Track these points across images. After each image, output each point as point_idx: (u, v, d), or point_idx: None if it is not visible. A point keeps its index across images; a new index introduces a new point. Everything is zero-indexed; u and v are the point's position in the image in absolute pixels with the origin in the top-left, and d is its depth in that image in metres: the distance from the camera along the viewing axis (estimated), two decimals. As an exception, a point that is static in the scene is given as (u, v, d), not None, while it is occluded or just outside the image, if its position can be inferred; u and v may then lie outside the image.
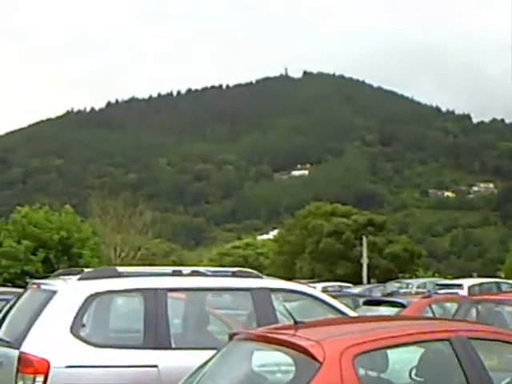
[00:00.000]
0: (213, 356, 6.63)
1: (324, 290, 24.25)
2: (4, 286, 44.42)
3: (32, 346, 7.90)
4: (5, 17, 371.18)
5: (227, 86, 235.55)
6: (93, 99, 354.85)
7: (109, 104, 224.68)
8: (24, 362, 7.81)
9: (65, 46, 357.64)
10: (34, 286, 9.43)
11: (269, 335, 6.39)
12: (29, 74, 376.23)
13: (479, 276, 45.48)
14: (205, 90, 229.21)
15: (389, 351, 6.18)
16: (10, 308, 9.60)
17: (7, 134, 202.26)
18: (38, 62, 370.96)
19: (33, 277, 52.66)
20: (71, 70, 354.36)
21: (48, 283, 8.97)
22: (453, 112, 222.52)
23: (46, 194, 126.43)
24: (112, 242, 60.99)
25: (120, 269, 9.02)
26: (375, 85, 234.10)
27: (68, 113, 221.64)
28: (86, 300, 8.24)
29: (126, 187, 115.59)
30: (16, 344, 8.08)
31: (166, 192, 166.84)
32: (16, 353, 7.94)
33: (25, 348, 7.91)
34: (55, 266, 53.11)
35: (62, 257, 54.50)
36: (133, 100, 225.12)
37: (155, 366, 8.10)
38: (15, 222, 56.05)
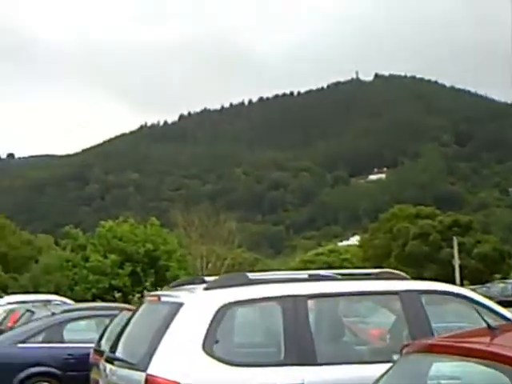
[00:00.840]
0: (384, 374, 5.43)
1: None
2: (93, 300, 44.32)
3: (160, 367, 6.92)
4: (76, 34, 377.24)
5: (298, 93, 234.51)
6: (165, 113, 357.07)
7: (181, 117, 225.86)
8: (152, 385, 6.79)
9: (136, 62, 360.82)
10: (153, 298, 8.42)
11: (458, 345, 5.12)
12: (99, 90, 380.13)
13: None
14: (276, 97, 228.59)
15: None
16: (126, 324, 8.63)
17: (83, 150, 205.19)
18: (108, 79, 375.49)
19: (121, 291, 52.80)
20: (141, 84, 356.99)
21: (170, 295, 7.94)
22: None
23: (124, 209, 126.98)
24: (197, 253, 60.35)
25: (251, 275, 7.91)
26: (447, 84, 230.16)
27: (142, 127, 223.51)
28: (217, 312, 7.21)
29: (202, 198, 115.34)
30: (141, 365, 7.10)
31: (243, 201, 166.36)
32: (142, 376, 6.96)
33: (152, 370, 6.92)
34: (142, 279, 52.95)
35: (149, 269, 54.28)
36: (205, 111, 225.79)
37: (301, 386, 7.00)
38: (100, 237, 56.10)
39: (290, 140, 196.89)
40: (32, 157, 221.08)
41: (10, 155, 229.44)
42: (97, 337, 13.80)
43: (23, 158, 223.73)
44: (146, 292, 52.36)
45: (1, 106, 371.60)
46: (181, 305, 7.30)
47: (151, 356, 7.02)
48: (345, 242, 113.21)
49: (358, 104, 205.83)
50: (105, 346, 11.17)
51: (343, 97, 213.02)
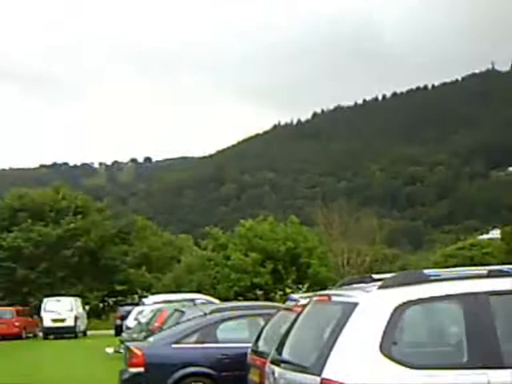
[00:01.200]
0: None
1: None
2: (235, 299, 44.47)
3: (335, 370, 6.48)
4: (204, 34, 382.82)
5: (433, 86, 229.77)
6: (298, 111, 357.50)
7: (315, 114, 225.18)
8: (328, 390, 6.36)
9: (267, 60, 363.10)
10: (322, 298, 7.95)
11: None
12: (229, 91, 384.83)
13: None
14: (410, 91, 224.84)
15: None
16: (292, 325, 8.24)
17: (218, 152, 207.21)
18: (237, 79, 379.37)
19: (263, 289, 52.90)
20: (273, 83, 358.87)
21: (342, 294, 7.45)
22: None
23: (260, 208, 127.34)
24: (338, 250, 59.77)
25: (428, 272, 7.34)
26: None
27: (275, 127, 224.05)
28: (394, 312, 6.73)
29: (338, 196, 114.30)
30: (314, 369, 6.68)
31: (379, 198, 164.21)
32: (316, 380, 6.55)
33: (327, 374, 6.49)
34: (284, 277, 52.85)
35: (291, 267, 54.04)
36: (338, 108, 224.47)
37: (486, 390, 6.43)
38: (241, 236, 56.29)
39: (425, 134, 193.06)
40: (169, 160, 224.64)
41: (148, 159, 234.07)
42: (249, 336, 13.60)
43: (160, 161, 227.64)
44: (287, 290, 52.43)
45: (137, 112, 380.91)
46: (355, 305, 6.86)
47: (325, 359, 6.60)
48: (485, 236, 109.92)
49: (495, 95, 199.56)
50: (263, 346, 10.84)
51: (479, 88, 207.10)
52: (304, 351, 7.46)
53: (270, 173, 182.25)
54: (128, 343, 15.25)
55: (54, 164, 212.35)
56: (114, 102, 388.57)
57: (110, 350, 28.31)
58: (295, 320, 8.32)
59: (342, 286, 8.31)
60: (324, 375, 6.50)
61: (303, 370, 6.96)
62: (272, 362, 8.13)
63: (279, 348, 8.17)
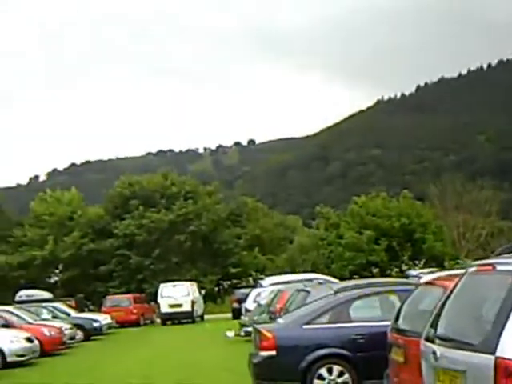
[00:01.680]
0: None
1: None
2: (351, 278, 43.65)
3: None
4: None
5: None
6: (401, 85, 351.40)
7: (418, 88, 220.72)
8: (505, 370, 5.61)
9: (364, 35, 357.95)
10: (484, 267, 7.10)
11: None
12: (330, 69, 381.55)
13: None
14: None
15: None
16: (446, 299, 7.47)
17: (322, 131, 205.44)
18: (338, 55, 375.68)
19: (378, 266, 51.96)
20: (374, 58, 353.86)
21: (508, 263, 6.62)
22: None
23: (365, 186, 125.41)
24: (453, 224, 58.07)
25: None
26: None
27: (378, 102, 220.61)
28: None
29: (446, 170, 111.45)
30: (485, 347, 5.88)
31: (489, 170, 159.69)
32: (490, 359, 5.75)
33: (503, 352, 5.69)
34: (399, 253, 51.77)
35: (405, 243, 52.91)
36: (442, 80, 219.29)
37: None
38: (353, 213, 55.40)
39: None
40: (272, 141, 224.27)
41: (251, 141, 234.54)
42: (382, 314, 12.91)
43: (264, 142, 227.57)
44: (403, 266, 51.36)
45: (238, 95, 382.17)
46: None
47: (498, 336, 5.81)
48: None
49: None
50: (404, 324, 10.10)
51: None
52: (466, 327, 6.70)
53: (376, 149, 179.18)
54: (257, 325, 14.69)
55: (160, 151, 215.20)
56: (219, 86, 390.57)
57: (230, 334, 27.97)
58: (450, 294, 7.55)
59: (500, 254, 7.47)
60: (498, 353, 5.73)
61: (471, 347, 6.19)
62: (427, 340, 7.39)
63: (434, 324, 7.43)
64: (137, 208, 58.38)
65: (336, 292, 14.67)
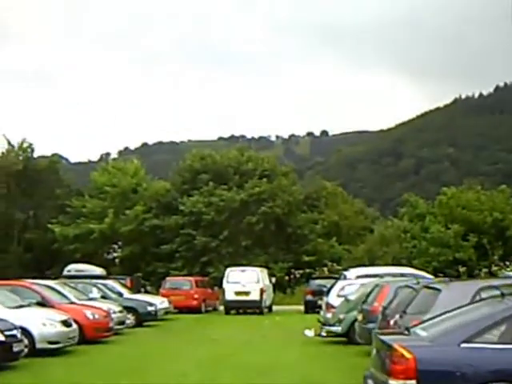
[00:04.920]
0: None
1: None
2: (435, 275, 38.56)
3: None
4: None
5: None
6: (480, 84, 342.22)
7: (497, 88, 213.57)
8: None
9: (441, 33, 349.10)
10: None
11: None
12: (406, 64, 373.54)
13: None
14: None
15: None
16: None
17: (397, 125, 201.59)
18: (416, 51, 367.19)
19: (465, 265, 46.83)
20: (453, 56, 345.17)
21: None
22: None
23: (437, 183, 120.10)
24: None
25: None
26: None
27: (456, 100, 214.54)
28: None
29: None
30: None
31: None
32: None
33: None
34: (489, 252, 46.96)
35: (496, 241, 47.90)
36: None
37: None
38: (441, 205, 50.67)
39: None
40: (345, 133, 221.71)
41: (324, 132, 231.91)
42: None
43: (337, 134, 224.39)
44: (493, 267, 46.16)
45: (314, 86, 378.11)
46: None
47: None
48: None
49: None
50: None
51: None
52: None
53: (450, 148, 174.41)
54: (386, 337, 9.71)
55: (232, 136, 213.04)
56: (292, 76, 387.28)
57: (309, 333, 23.48)
58: None
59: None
60: None
61: None
62: None
63: None
64: (206, 184, 53.80)
65: (503, 294, 9.69)
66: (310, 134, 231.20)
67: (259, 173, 54.53)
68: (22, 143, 58.87)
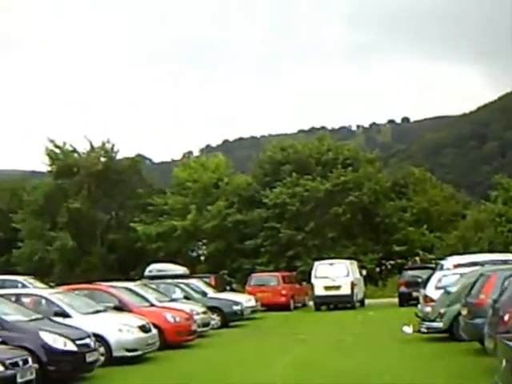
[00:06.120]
0: None
1: None
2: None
3: None
4: None
5: None
6: None
7: None
8: None
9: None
10: None
11: None
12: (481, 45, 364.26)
13: None
14: None
15: None
16: None
17: (479, 108, 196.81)
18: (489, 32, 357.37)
19: None
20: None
21: None
22: None
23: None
24: None
25: None
26: None
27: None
28: None
29: None
30: None
31: None
32: None
33: None
34: None
35: None
36: None
37: None
38: None
39: None
40: (426, 119, 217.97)
41: (405, 119, 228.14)
42: None
43: (418, 120, 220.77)
44: None
45: (393, 72, 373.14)
46: None
47: None
48: None
49: None
50: None
51: None
52: None
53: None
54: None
55: (312, 128, 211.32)
56: (374, 65, 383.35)
57: (408, 330, 21.57)
58: None
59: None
60: None
61: None
62: None
63: None
64: (289, 175, 52.19)
65: None
66: (391, 122, 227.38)
67: (341, 161, 52.70)
68: (104, 144, 58.50)
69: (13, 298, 17.44)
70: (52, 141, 57.58)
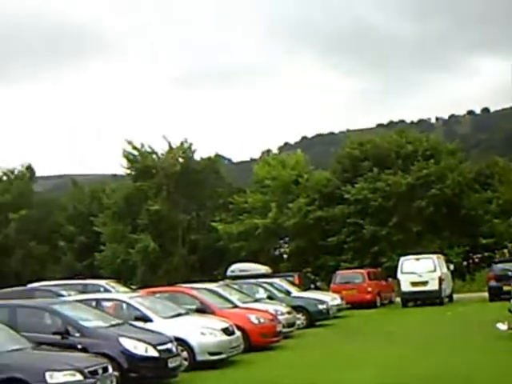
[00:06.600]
0: None
1: None
2: None
3: None
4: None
5: None
6: None
7: None
8: None
9: None
10: None
11: None
12: None
13: None
14: None
15: None
16: None
17: None
18: None
19: None
20: None
21: None
22: None
23: None
24: None
25: None
26: None
27: None
28: None
29: None
30: None
31: None
32: None
33: None
34: None
35: None
36: None
37: None
38: None
39: None
40: (507, 109, 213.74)
41: (485, 110, 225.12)
42: None
43: (498, 110, 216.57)
44: None
45: (470, 65, 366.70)
46: None
47: None
48: None
49: None
50: None
51: None
52: None
53: None
54: None
55: (391, 122, 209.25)
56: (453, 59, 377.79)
57: (503, 327, 20.39)
58: None
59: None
60: None
61: None
62: None
63: None
64: (370, 170, 51.01)
65: None
66: (470, 113, 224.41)
67: (421, 154, 51.21)
68: (182, 144, 58.36)
69: (93, 303, 17.21)
70: (130, 142, 57.62)
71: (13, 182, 68.34)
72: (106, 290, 26.34)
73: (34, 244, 63.80)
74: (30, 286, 28.19)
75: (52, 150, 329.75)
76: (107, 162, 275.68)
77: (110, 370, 12.34)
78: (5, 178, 69.62)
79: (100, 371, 11.92)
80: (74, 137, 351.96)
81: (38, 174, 75.99)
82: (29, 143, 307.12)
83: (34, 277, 44.30)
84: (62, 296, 21.01)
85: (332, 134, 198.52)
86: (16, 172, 69.63)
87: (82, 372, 11.41)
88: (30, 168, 70.97)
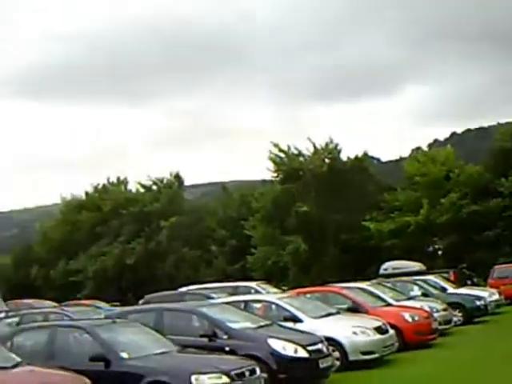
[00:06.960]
0: None
1: None
2: None
3: None
4: None
5: None
6: None
7: None
8: None
9: None
10: None
11: None
12: None
13: None
14: None
15: None
16: None
17: None
18: None
19: None
20: None
21: None
22: None
23: None
24: None
25: None
26: None
27: None
28: None
29: None
30: None
31: None
32: None
33: None
34: None
35: None
36: None
37: None
38: None
39: None
40: None
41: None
42: None
43: None
44: None
45: None
46: None
47: None
48: None
49: None
50: None
51: None
52: None
53: None
54: None
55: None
56: None
57: None
58: None
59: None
60: None
61: None
62: None
63: None
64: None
65: None
66: None
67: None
68: (328, 145, 57.95)
69: (242, 305, 17.07)
70: (276, 145, 57.83)
71: (162, 190, 70.01)
72: (257, 292, 26.26)
73: (186, 250, 65.04)
74: (180, 289, 28.59)
75: (200, 159, 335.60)
76: (255, 167, 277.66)
77: (258, 371, 12.08)
78: (154, 187, 71.39)
79: (247, 373, 11.69)
80: (219, 145, 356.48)
81: (187, 183, 77.45)
82: (177, 153, 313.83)
83: (187, 281, 45.03)
84: (212, 298, 21.08)
85: (482, 128, 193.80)
86: (165, 181, 71.11)
87: (228, 375, 11.23)
88: (178, 176, 72.20)
